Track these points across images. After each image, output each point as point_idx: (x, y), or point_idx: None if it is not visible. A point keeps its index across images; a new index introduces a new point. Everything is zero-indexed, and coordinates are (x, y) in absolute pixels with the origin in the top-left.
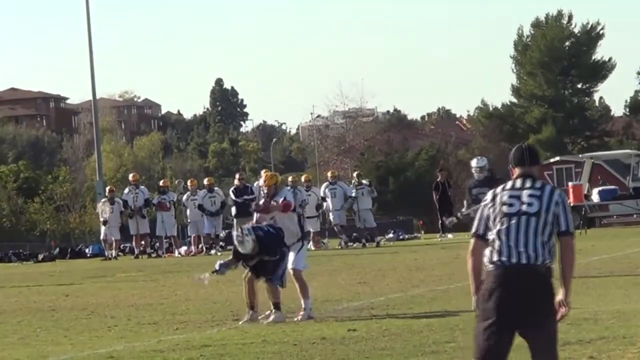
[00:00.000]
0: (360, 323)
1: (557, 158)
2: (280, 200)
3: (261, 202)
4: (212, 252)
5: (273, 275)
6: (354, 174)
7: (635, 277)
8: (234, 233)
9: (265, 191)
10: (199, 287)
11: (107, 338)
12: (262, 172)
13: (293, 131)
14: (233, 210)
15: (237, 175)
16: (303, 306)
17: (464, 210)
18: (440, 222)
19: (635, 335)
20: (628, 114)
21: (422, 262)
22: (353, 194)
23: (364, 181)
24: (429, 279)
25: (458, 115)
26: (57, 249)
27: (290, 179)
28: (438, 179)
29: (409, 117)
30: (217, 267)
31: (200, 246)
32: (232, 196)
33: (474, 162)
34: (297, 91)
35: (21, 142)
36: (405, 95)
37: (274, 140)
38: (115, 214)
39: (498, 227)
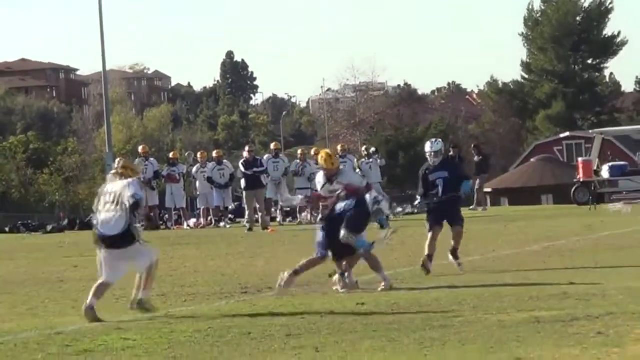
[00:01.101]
0: (368, 297)
1: (567, 134)
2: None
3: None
4: (221, 224)
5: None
6: (363, 147)
7: None
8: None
9: (326, 174)
10: (207, 260)
11: (116, 309)
12: (272, 145)
13: (303, 104)
14: (242, 183)
15: (246, 148)
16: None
17: (416, 203)
18: None
19: None
20: (638, 90)
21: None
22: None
23: (371, 150)
24: (438, 253)
25: (469, 90)
26: (66, 220)
27: (299, 152)
28: (450, 154)
29: (420, 92)
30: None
31: (209, 219)
32: (242, 169)
33: (427, 147)
34: (307, 65)
35: (31, 113)
36: (415, 69)
37: (284, 113)
38: None
39: None
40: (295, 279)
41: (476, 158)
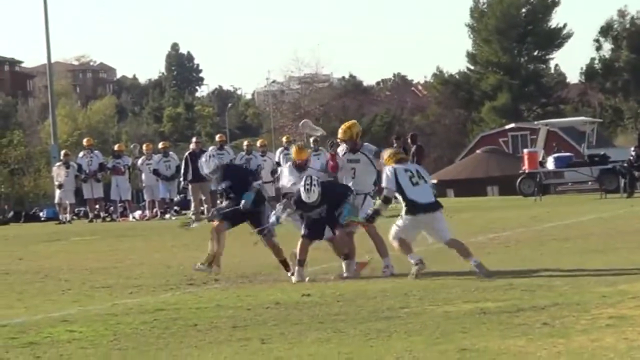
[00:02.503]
0: (314, 288)
1: (513, 125)
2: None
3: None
4: (167, 216)
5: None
6: (311, 140)
7: (589, 243)
8: (302, 184)
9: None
10: (153, 251)
11: (61, 302)
12: (217, 137)
13: (248, 96)
14: (189, 175)
15: (193, 139)
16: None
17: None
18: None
19: (588, 302)
20: (583, 81)
21: (376, 227)
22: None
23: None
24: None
25: (414, 82)
26: (12, 213)
27: (245, 143)
28: (394, 145)
29: (365, 83)
30: (272, 219)
31: (154, 210)
32: (185, 163)
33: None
34: (252, 56)
35: None
36: (361, 61)
37: (230, 105)
38: (70, 178)
39: None
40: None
41: (412, 148)
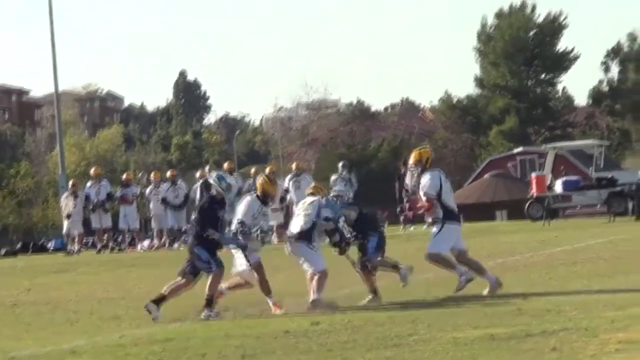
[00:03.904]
0: (323, 316)
1: (521, 149)
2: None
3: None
4: (175, 245)
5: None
6: (339, 164)
7: (597, 267)
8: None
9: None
10: (161, 281)
11: (70, 333)
12: (225, 165)
13: (257, 123)
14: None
15: (206, 168)
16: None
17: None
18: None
19: (597, 326)
20: (591, 104)
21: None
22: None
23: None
24: (392, 271)
25: (422, 106)
26: (20, 244)
27: (253, 170)
28: (402, 171)
29: (373, 108)
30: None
31: (163, 240)
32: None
33: None
34: (260, 83)
35: None
36: (368, 85)
37: (238, 132)
38: (78, 208)
39: None
40: None
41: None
